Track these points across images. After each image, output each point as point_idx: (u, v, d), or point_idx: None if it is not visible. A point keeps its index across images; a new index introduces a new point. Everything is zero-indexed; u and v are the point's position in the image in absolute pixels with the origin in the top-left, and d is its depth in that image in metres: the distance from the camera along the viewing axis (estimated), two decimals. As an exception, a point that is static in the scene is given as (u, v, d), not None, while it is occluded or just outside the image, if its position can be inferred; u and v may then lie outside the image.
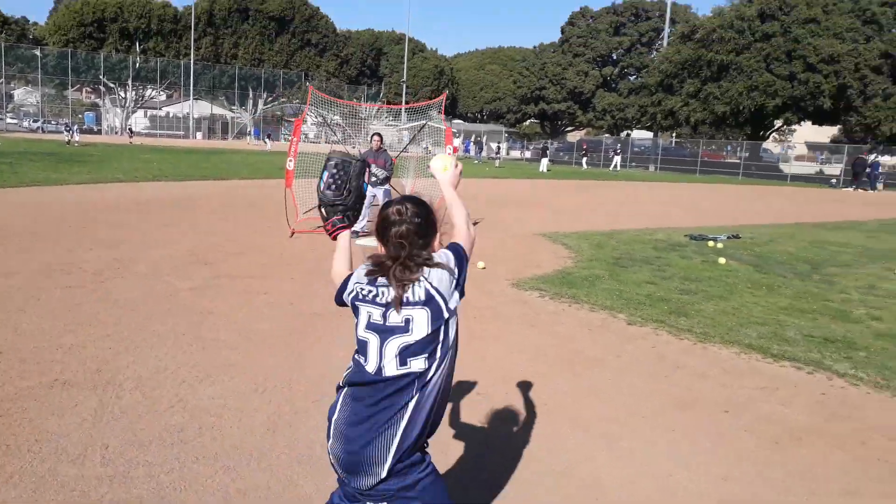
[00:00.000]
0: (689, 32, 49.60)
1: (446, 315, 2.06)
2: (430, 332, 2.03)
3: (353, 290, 2.16)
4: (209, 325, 5.85)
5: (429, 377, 2.03)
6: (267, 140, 52.50)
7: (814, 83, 39.41)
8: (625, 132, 63.62)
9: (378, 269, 2.12)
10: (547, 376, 4.93)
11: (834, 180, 39.09)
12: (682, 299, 7.41)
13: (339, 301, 2.25)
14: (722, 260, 10.00)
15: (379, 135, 11.04)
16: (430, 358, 2.03)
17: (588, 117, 59.29)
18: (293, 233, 10.98)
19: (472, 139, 55.69)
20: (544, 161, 40.42)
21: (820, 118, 44.95)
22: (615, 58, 60.57)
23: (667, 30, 57.67)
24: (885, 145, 39.34)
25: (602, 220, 15.24)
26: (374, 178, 10.70)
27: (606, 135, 62.23)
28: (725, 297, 7.67)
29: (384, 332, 2.05)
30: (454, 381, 2.35)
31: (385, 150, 11.08)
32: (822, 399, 4.68)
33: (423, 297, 2.06)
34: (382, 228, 2.14)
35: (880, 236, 14.69)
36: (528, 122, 71.03)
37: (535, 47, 65.83)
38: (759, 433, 4.10)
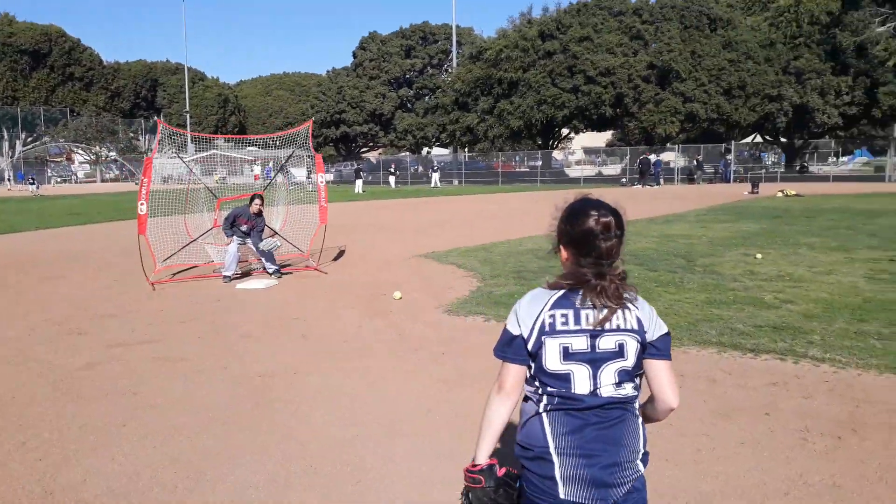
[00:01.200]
0: (477, 53, 52.03)
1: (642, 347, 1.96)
2: (636, 361, 1.94)
3: (539, 324, 1.92)
4: (149, 409, 4.78)
5: (636, 402, 1.98)
6: (32, 184, 46.64)
7: (595, 94, 43.13)
8: (425, 150, 65.31)
9: (579, 285, 1.92)
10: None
11: (624, 179, 43.03)
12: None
13: (517, 352, 1.95)
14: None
15: (260, 197, 10.04)
16: (635, 387, 1.97)
17: (390, 138, 60.02)
18: (153, 285, 9.63)
19: (271, 165, 54.01)
20: (359, 182, 40.16)
21: (602, 125, 49.33)
22: (409, 79, 62.01)
23: (454, 51, 60.17)
24: (660, 145, 44.03)
25: (460, 236, 15.21)
26: (240, 233, 9.86)
27: (406, 153, 63.42)
28: (648, 298, 7.79)
29: (596, 360, 1.91)
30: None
31: (263, 217, 10.13)
32: (832, 386, 4.81)
33: (634, 326, 1.94)
34: (583, 240, 1.93)
35: (708, 225, 16.16)
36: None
37: (328, 72, 65.43)
38: (818, 432, 4.08)
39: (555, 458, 1.88)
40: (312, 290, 9.30)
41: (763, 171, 44.82)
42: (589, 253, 1.93)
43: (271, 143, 12.05)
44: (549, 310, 1.93)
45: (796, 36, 42.21)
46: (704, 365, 5.35)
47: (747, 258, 10.79)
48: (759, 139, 54.86)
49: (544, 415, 1.93)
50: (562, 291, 1.94)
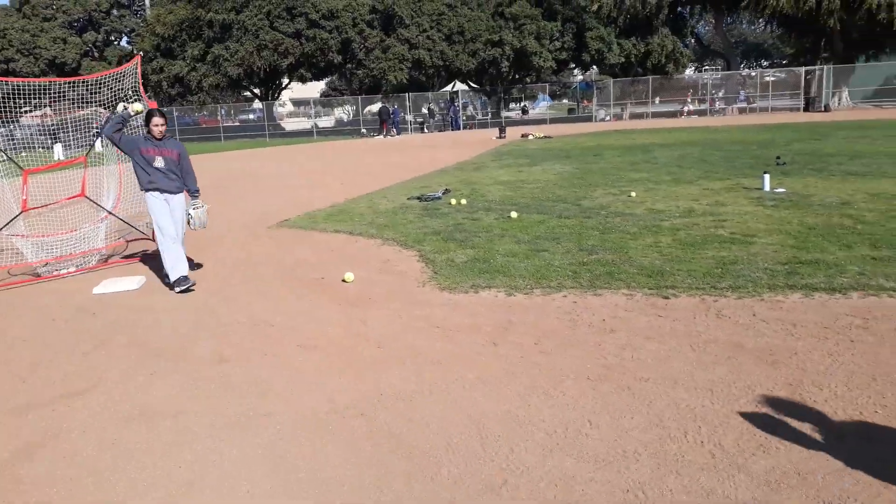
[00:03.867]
0: (176, -8, 46.45)
1: None
2: None
3: None
4: None
5: None
6: None
7: (321, 39, 41.26)
8: (121, 105, 57.27)
9: None
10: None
11: (363, 130, 42.32)
12: (613, 259, 6.79)
13: None
14: (514, 214, 9.63)
15: (161, 113, 6.91)
16: None
17: (80, 91, 51.34)
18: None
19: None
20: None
21: (329, 72, 47.64)
22: (96, 21, 53.26)
23: (144, -11, 53.07)
24: (394, 94, 43.90)
25: (283, 199, 13.31)
26: (160, 178, 6.80)
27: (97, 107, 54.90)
28: (622, 247, 7.31)
29: None
30: None
31: (176, 141, 7.19)
32: (967, 317, 4.73)
33: None
34: None
35: (522, 169, 16.22)
36: None
37: (-21, 11, 53.21)
38: None
39: None
40: (213, 283, 7.13)
41: (487, 116, 47.45)
42: None
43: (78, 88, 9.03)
44: None
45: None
46: (828, 314, 4.95)
47: (622, 198, 10.85)
48: (459, 86, 57.72)
49: None
50: None
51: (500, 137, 30.39)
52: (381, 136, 37.76)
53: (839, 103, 39.20)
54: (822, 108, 37.37)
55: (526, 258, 7.03)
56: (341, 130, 47.90)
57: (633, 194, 10.94)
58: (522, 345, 4.69)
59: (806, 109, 38.18)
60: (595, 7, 38.42)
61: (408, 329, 5.19)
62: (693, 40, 49.80)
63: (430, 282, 6.44)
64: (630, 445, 3.31)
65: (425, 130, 42.76)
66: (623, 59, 39.92)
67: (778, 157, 13.59)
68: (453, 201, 11.27)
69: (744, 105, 41.12)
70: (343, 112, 65.59)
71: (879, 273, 5.74)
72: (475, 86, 54.99)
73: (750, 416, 3.49)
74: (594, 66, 41.84)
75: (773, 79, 42.42)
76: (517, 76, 48.47)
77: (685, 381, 3.97)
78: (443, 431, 3.56)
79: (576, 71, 59.42)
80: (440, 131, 42.58)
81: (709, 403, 3.69)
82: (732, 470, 3.05)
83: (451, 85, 58.70)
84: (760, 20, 44.43)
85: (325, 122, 62.58)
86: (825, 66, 38.77)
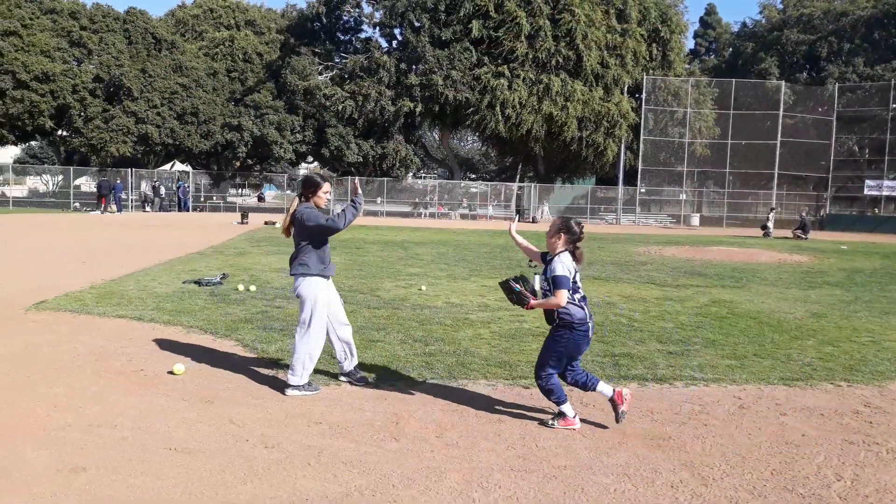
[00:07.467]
0: None
1: None
2: None
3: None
4: None
5: None
6: None
7: (31, 102, 36.71)
8: None
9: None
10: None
11: (77, 204, 37.81)
12: (452, 350, 6.92)
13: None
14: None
15: None
16: None
17: None
18: None
19: None
20: None
21: (34, 137, 42.29)
22: None
23: None
24: (115, 167, 40.06)
25: (10, 279, 11.36)
26: None
27: None
28: (451, 337, 7.51)
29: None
30: None
31: None
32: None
33: None
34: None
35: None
36: None
37: None
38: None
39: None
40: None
41: (214, 199, 45.68)
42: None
43: None
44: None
45: (231, 70, 44.60)
46: (672, 402, 5.57)
47: (413, 290, 11.17)
48: (178, 166, 55.11)
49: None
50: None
51: (243, 223, 29.46)
52: (99, 212, 34.22)
53: (542, 216, 45.04)
54: (531, 220, 42.58)
55: (365, 348, 6.86)
56: (42, 202, 42.49)
57: (424, 288, 11.34)
58: (426, 439, 4.55)
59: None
60: (339, 107, 39.83)
61: (287, 426, 4.72)
62: (420, 149, 54.07)
63: (278, 374, 5.96)
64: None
65: (147, 209, 39.79)
66: (360, 158, 41.58)
67: (531, 262, 15.10)
68: (240, 287, 10.61)
69: (466, 212, 45.19)
70: (41, 182, 58.57)
71: (682, 365, 6.66)
72: (196, 168, 53.03)
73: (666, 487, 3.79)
74: (333, 162, 42.93)
75: (488, 189, 47.49)
76: (252, 162, 47.88)
77: (598, 466, 4.19)
78: (408, 537, 3.29)
79: (302, 164, 60.70)
80: (164, 211, 39.95)
81: (632, 486, 3.93)
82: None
83: (169, 164, 55.72)
84: (475, 138, 49.69)
85: (17, 191, 55.25)
86: (532, 184, 44.50)
